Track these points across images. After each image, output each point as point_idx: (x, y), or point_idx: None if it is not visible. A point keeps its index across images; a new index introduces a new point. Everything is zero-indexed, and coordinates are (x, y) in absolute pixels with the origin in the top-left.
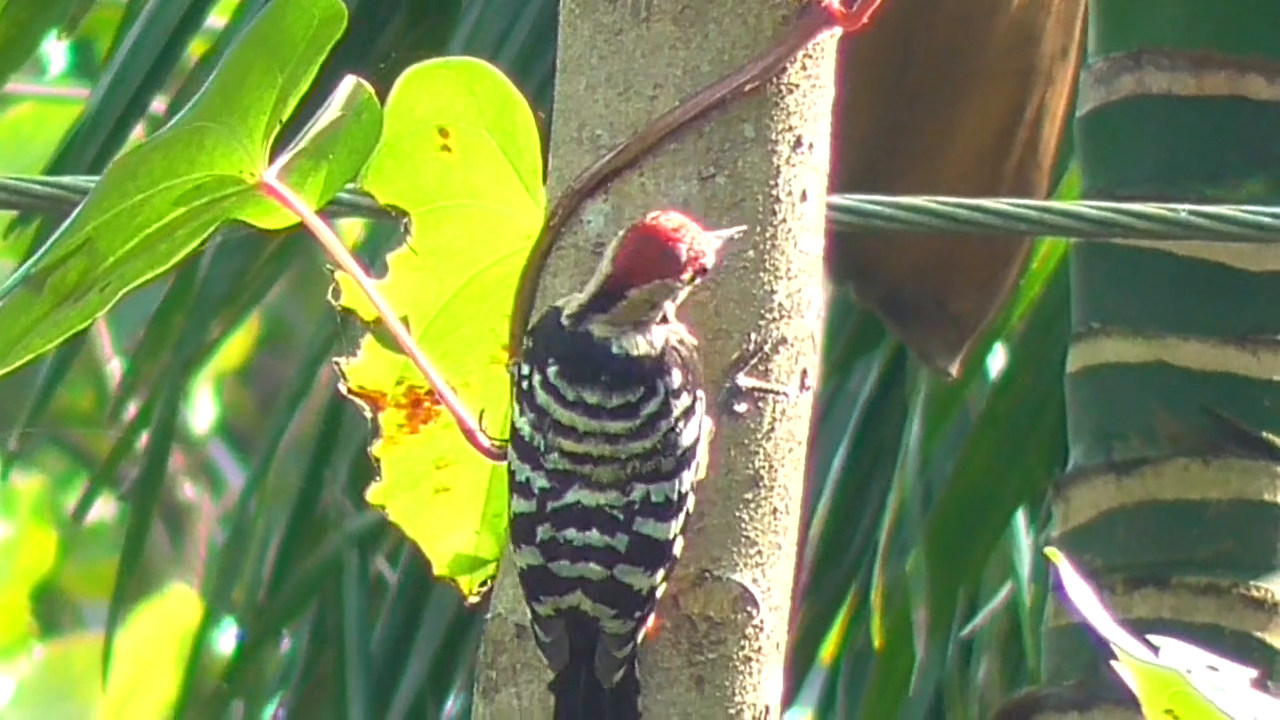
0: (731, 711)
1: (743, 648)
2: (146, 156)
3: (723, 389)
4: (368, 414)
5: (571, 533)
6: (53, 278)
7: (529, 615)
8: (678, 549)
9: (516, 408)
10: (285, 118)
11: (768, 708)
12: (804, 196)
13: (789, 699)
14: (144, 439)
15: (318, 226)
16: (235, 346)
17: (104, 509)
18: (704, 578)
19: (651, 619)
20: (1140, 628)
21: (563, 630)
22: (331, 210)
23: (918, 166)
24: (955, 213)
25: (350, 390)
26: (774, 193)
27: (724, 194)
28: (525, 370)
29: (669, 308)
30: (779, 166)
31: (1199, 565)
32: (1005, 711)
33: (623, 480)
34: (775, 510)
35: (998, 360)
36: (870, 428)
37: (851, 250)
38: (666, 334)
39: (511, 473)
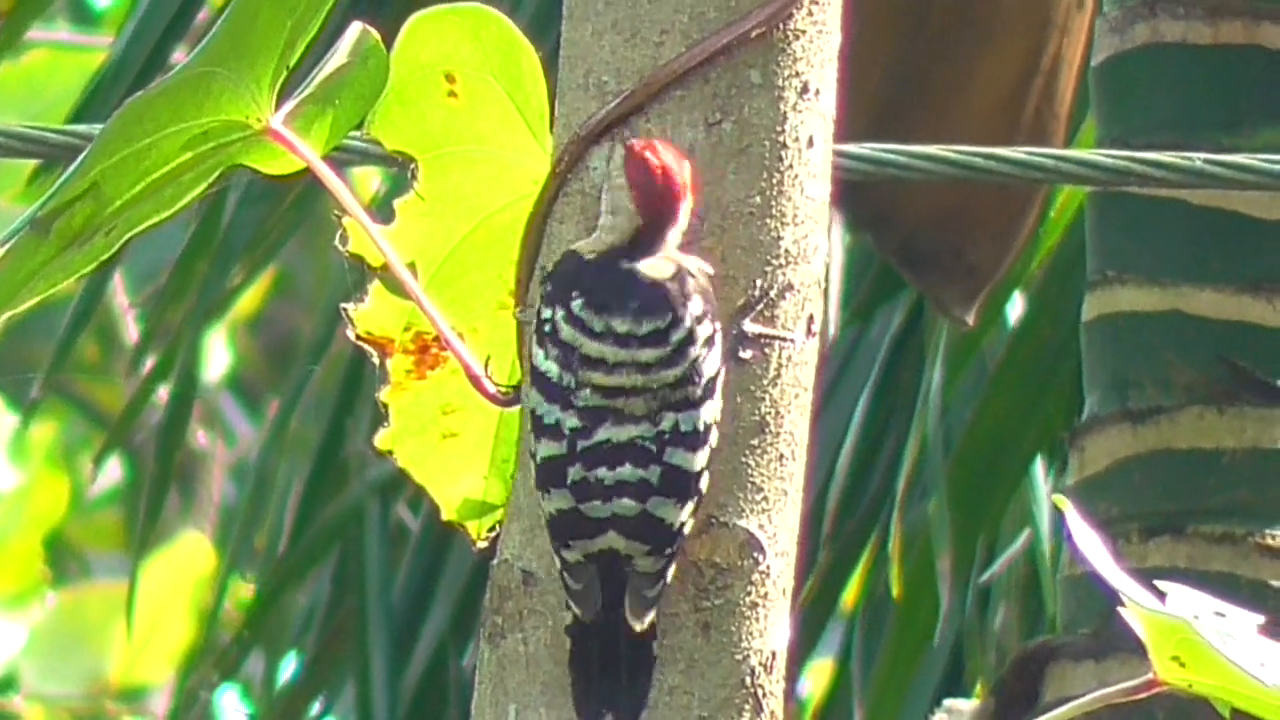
0: (738, 657)
1: (749, 593)
2: (153, 101)
3: (729, 335)
4: (375, 360)
5: (602, 471)
6: (59, 222)
7: (557, 564)
8: (704, 484)
9: (539, 352)
10: (292, 64)
11: (774, 653)
12: (810, 143)
13: (810, 647)
14: (160, 390)
15: (324, 172)
16: (246, 295)
17: (113, 460)
18: (710, 524)
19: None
20: (1156, 576)
21: (593, 576)
22: (344, 159)
23: (934, 116)
24: (972, 161)
25: (358, 336)
26: (780, 139)
27: (730, 140)
28: (546, 314)
29: (685, 224)
30: (785, 113)
31: (1214, 514)
32: (1020, 660)
33: (654, 411)
34: (781, 456)
35: (1017, 309)
36: (890, 375)
37: (868, 199)
38: (683, 262)
39: (538, 417)
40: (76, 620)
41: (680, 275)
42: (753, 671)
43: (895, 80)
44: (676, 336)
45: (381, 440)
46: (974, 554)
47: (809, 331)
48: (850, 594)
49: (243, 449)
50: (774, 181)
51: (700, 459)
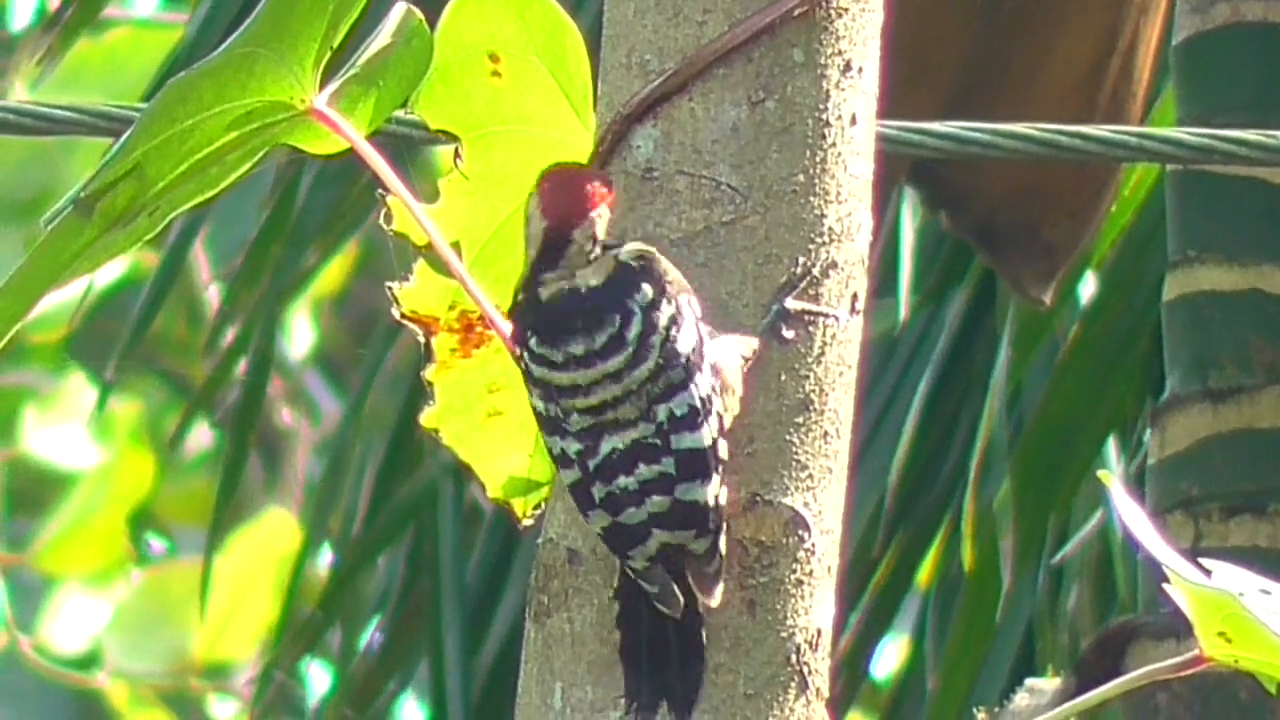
0: (783, 635)
1: (794, 571)
2: (197, 82)
3: (770, 312)
4: (420, 338)
5: (622, 480)
6: (102, 202)
7: (630, 573)
8: (723, 451)
9: (527, 388)
10: (336, 44)
11: (820, 631)
12: (853, 120)
13: (885, 625)
14: (240, 366)
15: (367, 152)
16: (331, 272)
17: (201, 434)
18: (755, 502)
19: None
20: (1237, 556)
21: (663, 573)
22: (431, 139)
23: (1012, 95)
24: (1056, 139)
25: (403, 315)
26: (823, 117)
27: (773, 119)
28: (518, 351)
29: (600, 235)
30: (828, 91)
31: None
32: (1101, 640)
33: (644, 409)
34: (826, 434)
35: (1089, 288)
36: (961, 355)
37: (945, 178)
38: (617, 254)
39: (549, 449)
40: (161, 597)
41: (618, 270)
42: (798, 649)
43: (971, 61)
44: (633, 333)
45: (427, 418)
46: (1045, 534)
47: (853, 310)
48: (925, 573)
49: (328, 427)
50: (817, 160)
51: (708, 433)
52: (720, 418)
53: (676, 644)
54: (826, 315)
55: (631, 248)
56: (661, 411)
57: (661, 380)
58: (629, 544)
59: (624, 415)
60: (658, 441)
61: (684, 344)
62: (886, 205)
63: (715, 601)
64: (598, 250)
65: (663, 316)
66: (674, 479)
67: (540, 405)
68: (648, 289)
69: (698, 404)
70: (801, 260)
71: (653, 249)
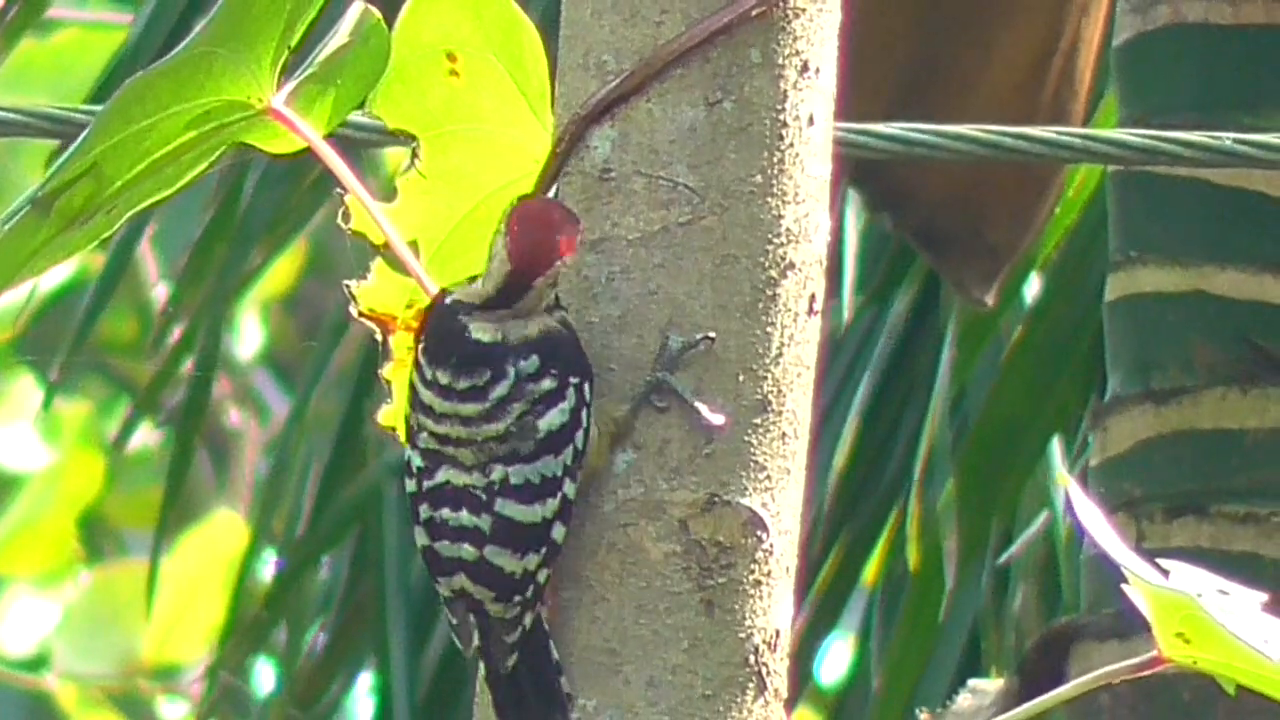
0: (741, 635)
1: (752, 572)
2: (154, 82)
3: (644, 383)
4: (378, 336)
5: (446, 512)
6: (60, 201)
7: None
8: (556, 535)
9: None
10: (293, 43)
11: (778, 631)
12: (811, 121)
13: (830, 626)
14: (187, 366)
15: (324, 151)
16: (280, 273)
17: (150, 436)
18: (713, 502)
19: (540, 604)
20: (1179, 557)
21: (465, 612)
22: (380, 140)
23: (954, 98)
24: (1000, 140)
25: (360, 313)
26: (781, 117)
27: (731, 119)
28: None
29: (559, 283)
30: (786, 91)
31: (1238, 494)
32: (1045, 640)
33: (482, 462)
34: (784, 435)
35: (1033, 288)
36: (905, 356)
37: (887, 179)
38: (543, 320)
39: (406, 454)
40: (109, 599)
41: (510, 333)
42: (756, 650)
43: (913, 62)
44: (496, 394)
45: (384, 416)
46: (989, 534)
47: (811, 310)
48: (870, 573)
49: (277, 427)
50: (775, 160)
51: (540, 511)
52: (567, 500)
53: (535, 700)
54: (693, 408)
55: (561, 320)
56: (497, 472)
57: (508, 445)
58: (439, 571)
59: (462, 457)
60: (484, 497)
61: (551, 422)
62: (831, 206)
63: (501, 670)
64: (552, 296)
65: (535, 391)
66: (486, 538)
67: (407, 409)
68: (535, 360)
69: (538, 480)
70: (761, 263)
71: (570, 333)
